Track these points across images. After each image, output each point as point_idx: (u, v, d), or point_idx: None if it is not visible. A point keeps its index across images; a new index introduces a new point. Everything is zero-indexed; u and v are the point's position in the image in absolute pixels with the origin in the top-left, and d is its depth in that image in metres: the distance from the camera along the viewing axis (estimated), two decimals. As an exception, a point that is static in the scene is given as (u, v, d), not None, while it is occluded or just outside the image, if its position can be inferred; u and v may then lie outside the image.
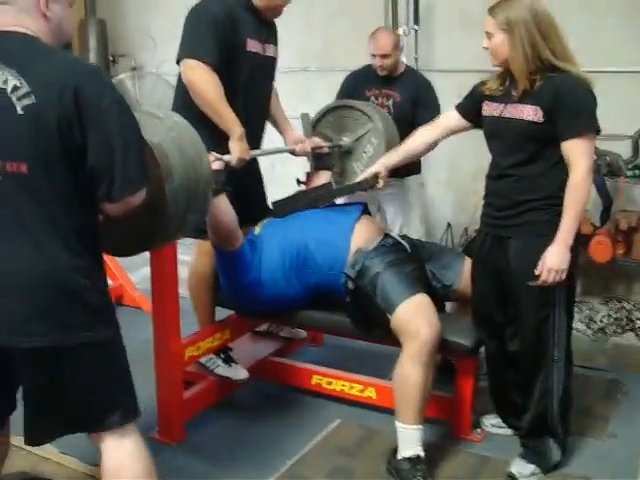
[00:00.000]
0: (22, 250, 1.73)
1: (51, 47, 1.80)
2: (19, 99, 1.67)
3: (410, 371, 2.59)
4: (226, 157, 2.81)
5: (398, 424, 2.62)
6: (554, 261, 2.44)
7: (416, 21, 4.79)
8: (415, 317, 2.65)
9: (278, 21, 3.19)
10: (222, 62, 2.84)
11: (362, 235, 2.99)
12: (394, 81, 3.99)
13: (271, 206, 3.07)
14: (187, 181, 2.11)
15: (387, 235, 3.03)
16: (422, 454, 2.59)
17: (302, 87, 5.20)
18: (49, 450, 2.77)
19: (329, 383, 3.20)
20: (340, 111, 3.61)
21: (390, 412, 2.75)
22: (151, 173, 1.89)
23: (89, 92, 1.70)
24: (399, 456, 2.61)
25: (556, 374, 2.63)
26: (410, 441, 2.60)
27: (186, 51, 2.85)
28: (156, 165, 2.01)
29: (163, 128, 2.13)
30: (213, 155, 2.64)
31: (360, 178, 3.07)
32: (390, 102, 3.96)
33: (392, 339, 2.72)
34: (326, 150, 3.46)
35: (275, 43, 3.21)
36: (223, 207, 2.79)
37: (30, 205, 1.72)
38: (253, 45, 3.01)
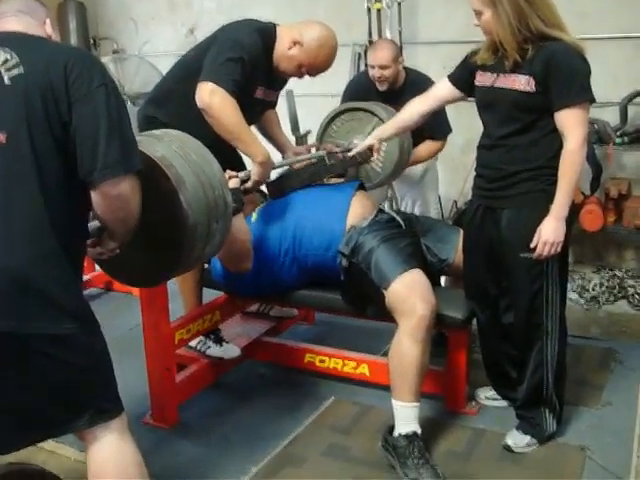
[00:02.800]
0: None
1: (46, 39, 1.86)
2: (7, 70, 1.68)
3: (407, 349, 2.55)
4: (242, 174, 2.76)
5: (395, 402, 2.58)
6: (550, 234, 2.41)
7: (399, -7, 4.75)
8: (410, 294, 2.61)
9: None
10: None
11: (357, 212, 2.95)
12: (397, 96, 3.61)
13: (265, 188, 3.04)
14: (201, 187, 2.09)
15: (381, 211, 3.00)
16: (419, 430, 2.57)
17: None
18: (42, 439, 2.76)
19: (322, 361, 3.18)
20: (342, 117, 3.52)
21: (384, 388, 2.74)
22: (163, 188, 1.90)
23: (79, 71, 1.70)
24: (395, 433, 2.58)
25: (550, 346, 2.61)
26: (407, 418, 2.57)
27: (207, 75, 2.71)
28: (165, 178, 2.00)
29: (162, 144, 2.11)
30: (228, 173, 2.59)
31: (354, 152, 3.02)
32: None
33: (387, 316, 2.69)
34: (340, 157, 3.28)
35: (280, 89, 3.21)
36: (240, 226, 2.77)
37: (4, 178, 1.66)
38: (260, 92, 2.99)
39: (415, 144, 3.61)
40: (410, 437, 2.54)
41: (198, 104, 2.71)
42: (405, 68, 3.81)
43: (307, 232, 2.93)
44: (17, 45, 1.72)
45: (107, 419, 1.86)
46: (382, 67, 3.65)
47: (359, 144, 3.05)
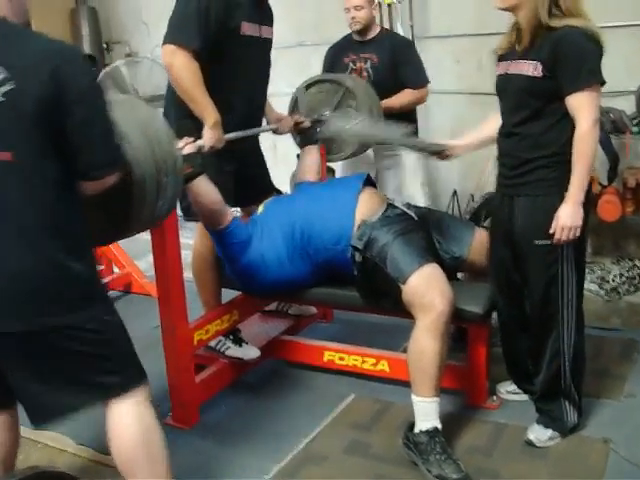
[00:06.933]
0: (6, 238, 1.74)
1: (25, 29, 1.82)
2: None
3: (426, 344, 2.54)
4: (199, 142, 2.79)
5: (415, 398, 2.57)
6: (567, 218, 2.39)
7: (410, -13, 4.74)
8: (428, 288, 2.60)
9: (273, -4, 3.14)
10: (208, 48, 2.80)
11: (366, 206, 2.94)
12: (370, 44, 4.01)
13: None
14: (147, 143, 2.10)
15: (391, 205, 2.98)
16: (440, 426, 2.55)
17: (298, 62, 5.15)
18: (66, 442, 2.78)
19: (341, 359, 3.17)
20: (310, 90, 3.66)
21: (404, 384, 2.73)
22: None
23: (69, 72, 1.72)
24: (416, 430, 2.56)
25: (567, 335, 2.59)
26: (427, 414, 2.56)
27: (169, 35, 2.83)
28: None
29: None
30: (185, 140, 2.65)
31: (433, 143, 2.98)
32: (368, 65, 3.97)
33: (403, 311, 2.68)
34: (307, 124, 3.48)
35: (271, 24, 3.18)
36: (203, 189, 2.78)
37: (17, 192, 1.73)
38: (249, 28, 2.97)
39: None
40: (431, 433, 2.52)
41: (163, 64, 2.86)
42: (385, 28, 4.20)
43: (316, 228, 2.92)
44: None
45: (135, 387, 1.96)
46: (356, 7, 3.92)
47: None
